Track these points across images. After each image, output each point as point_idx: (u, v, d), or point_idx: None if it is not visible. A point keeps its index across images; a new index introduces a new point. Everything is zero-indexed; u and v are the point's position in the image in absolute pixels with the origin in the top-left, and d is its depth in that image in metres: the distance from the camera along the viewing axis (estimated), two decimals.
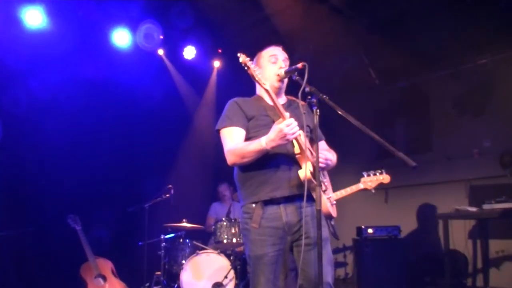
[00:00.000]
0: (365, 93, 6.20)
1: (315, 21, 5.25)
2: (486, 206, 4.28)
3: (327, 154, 2.40)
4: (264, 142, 2.16)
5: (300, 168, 2.27)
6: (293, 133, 2.12)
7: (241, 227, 2.41)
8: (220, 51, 6.43)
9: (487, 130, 5.13)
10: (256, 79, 2.18)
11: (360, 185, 3.43)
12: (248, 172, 2.34)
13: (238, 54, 2.14)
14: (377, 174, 3.38)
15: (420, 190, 5.66)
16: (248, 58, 2.15)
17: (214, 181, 5.97)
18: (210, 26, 5.64)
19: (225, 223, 4.54)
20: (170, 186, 4.90)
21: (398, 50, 5.30)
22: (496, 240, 4.91)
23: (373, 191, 3.36)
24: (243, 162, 2.29)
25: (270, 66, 2.44)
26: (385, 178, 3.39)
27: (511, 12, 4.49)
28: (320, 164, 2.29)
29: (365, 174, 3.43)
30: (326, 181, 2.51)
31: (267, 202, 2.28)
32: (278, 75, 2.39)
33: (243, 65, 2.14)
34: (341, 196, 3.44)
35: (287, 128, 2.09)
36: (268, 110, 2.40)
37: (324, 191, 2.33)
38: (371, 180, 3.39)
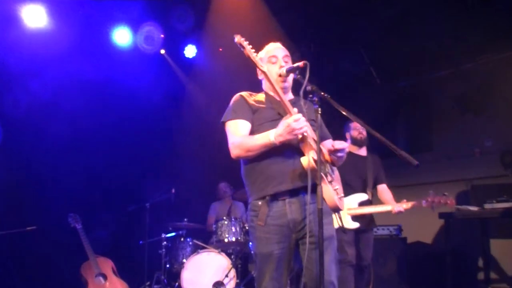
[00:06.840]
0: (366, 93, 6.19)
1: (316, 21, 5.25)
2: (487, 206, 4.26)
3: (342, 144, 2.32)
4: (272, 137, 2.15)
5: None
6: (301, 128, 2.10)
7: (248, 225, 2.43)
8: (221, 49, 6.42)
9: (488, 129, 5.12)
10: (254, 61, 2.16)
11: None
12: (253, 167, 2.32)
13: (234, 35, 2.11)
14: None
15: (421, 190, 5.62)
16: (243, 39, 2.12)
17: (215, 180, 5.97)
18: (211, 25, 5.63)
19: (226, 222, 4.54)
20: (173, 190, 4.93)
21: (399, 49, 5.29)
22: (497, 239, 4.90)
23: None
24: (247, 155, 2.28)
25: (270, 67, 2.41)
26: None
27: None
28: (340, 153, 2.28)
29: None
30: (333, 172, 2.47)
31: (273, 199, 2.27)
32: (280, 75, 2.38)
33: (238, 45, 2.12)
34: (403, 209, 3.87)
35: (295, 123, 2.08)
36: (274, 104, 2.38)
37: (330, 182, 2.29)
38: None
